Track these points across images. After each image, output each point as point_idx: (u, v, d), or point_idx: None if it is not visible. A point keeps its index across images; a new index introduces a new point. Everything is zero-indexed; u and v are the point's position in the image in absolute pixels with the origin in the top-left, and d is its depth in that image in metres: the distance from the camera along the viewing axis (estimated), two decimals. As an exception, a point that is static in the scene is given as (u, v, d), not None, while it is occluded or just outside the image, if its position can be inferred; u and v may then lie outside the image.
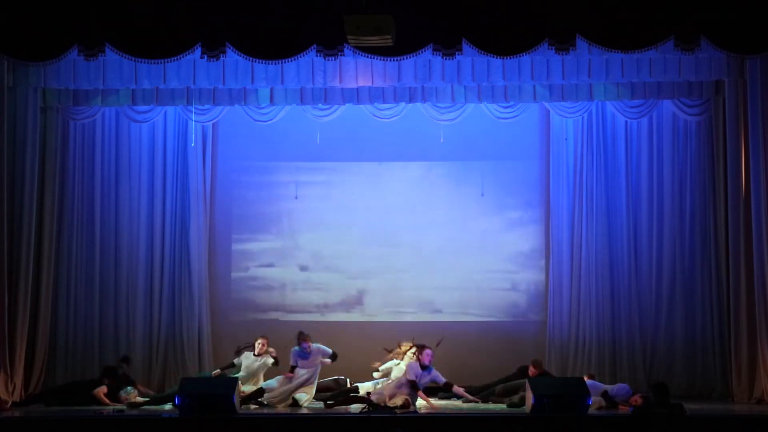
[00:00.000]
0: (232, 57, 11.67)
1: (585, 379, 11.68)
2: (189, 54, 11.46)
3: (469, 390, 12.22)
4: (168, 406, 11.66)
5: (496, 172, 13.95)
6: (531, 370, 12.14)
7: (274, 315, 13.99)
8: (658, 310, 13.43)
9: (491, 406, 12.07)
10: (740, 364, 12.40)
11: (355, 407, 11.58)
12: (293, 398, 11.95)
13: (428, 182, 14.04)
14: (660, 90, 12.87)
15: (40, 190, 13.04)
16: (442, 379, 11.93)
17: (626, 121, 13.48)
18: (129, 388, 12.31)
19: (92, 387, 12.22)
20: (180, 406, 10.78)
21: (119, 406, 11.99)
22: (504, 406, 11.87)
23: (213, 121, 13.63)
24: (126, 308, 13.62)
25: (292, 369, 12.08)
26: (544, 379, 11.77)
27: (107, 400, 12.10)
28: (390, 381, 12.06)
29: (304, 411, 11.59)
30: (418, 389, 11.61)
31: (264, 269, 14.06)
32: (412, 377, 11.65)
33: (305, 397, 12.02)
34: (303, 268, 14.06)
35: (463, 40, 11.22)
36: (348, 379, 12.74)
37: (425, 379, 11.80)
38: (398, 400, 11.44)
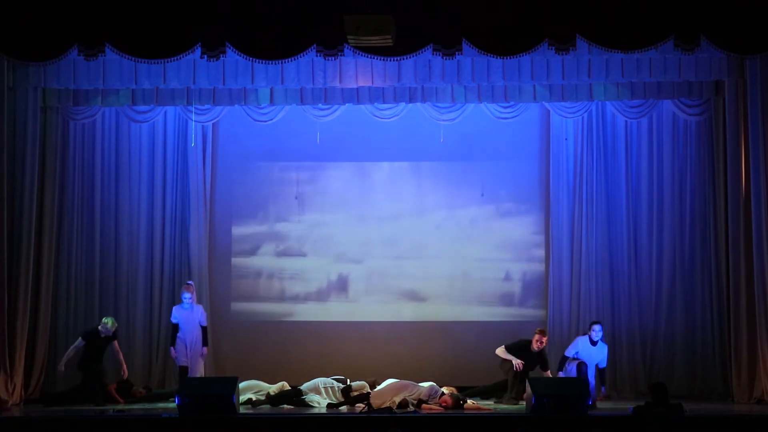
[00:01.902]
0: (232, 57, 11.67)
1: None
2: (189, 54, 11.46)
3: (459, 391, 12.21)
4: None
5: (496, 172, 13.96)
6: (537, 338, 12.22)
7: (273, 316, 13.98)
8: (658, 310, 13.43)
9: (492, 405, 12.11)
10: (740, 364, 12.40)
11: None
12: (306, 399, 12.00)
13: (428, 182, 14.04)
14: (660, 90, 12.87)
15: (40, 190, 13.03)
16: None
17: (626, 121, 13.48)
18: (106, 319, 12.42)
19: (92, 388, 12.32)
20: (180, 406, 10.78)
21: (119, 406, 12.03)
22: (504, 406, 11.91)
23: (213, 121, 13.63)
24: (126, 308, 13.62)
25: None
26: (544, 379, 11.76)
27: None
28: (390, 382, 12.06)
29: (305, 411, 11.57)
30: (425, 403, 11.62)
31: (264, 270, 14.05)
32: (426, 398, 11.66)
33: (316, 398, 12.04)
34: (302, 268, 14.05)
35: (463, 40, 11.23)
36: (348, 379, 12.73)
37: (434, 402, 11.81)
38: (398, 400, 11.45)
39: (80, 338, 12.39)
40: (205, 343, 12.58)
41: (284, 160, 14.09)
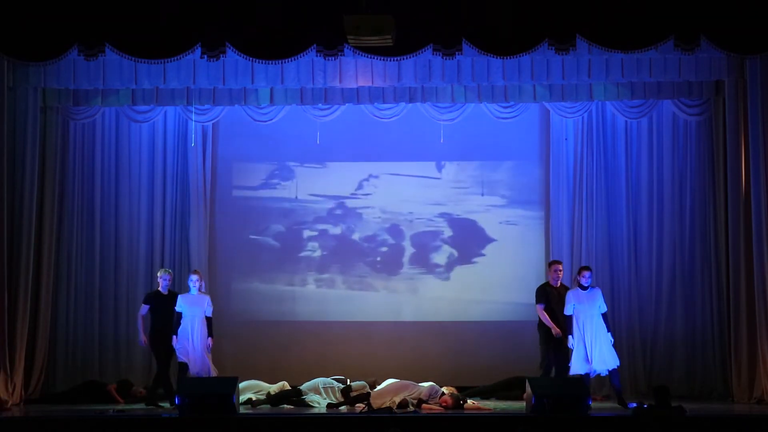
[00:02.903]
0: (232, 57, 11.67)
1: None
2: (189, 54, 11.46)
3: (459, 391, 12.21)
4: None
5: (496, 172, 13.96)
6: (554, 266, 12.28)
7: (273, 315, 13.98)
8: (658, 310, 13.43)
9: (490, 404, 12.11)
10: (740, 364, 12.38)
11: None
12: (306, 399, 11.99)
13: (428, 182, 14.04)
14: (660, 90, 12.86)
15: (40, 190, 13.02)
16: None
17: (626, 121, 13.48)
18: (161, 270, 12.26)
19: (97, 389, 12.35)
20: (180, 406, 10.78)
21: (119, 406, 12.02)
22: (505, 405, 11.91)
23: (213, 121, 13.63)
24: (126, 308, 13.61)
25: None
26: (543, 379, 11.76)
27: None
28: (390, 382, 12.05)
29: (305, 411, 11.57)
30: (425, 403, 11.60)
31: (263, 270, 14.05)
32: (426, 398, 11.65)
33: (316, 398, 12.03)
34: (302, 270, 14.06)
35: (463, 40, 11.23)
36: (348, 379, 12.72)
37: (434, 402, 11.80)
38: (398, 400, 11.44)
39: (143, 304, 12.12)
40: (210, 333, 12.01)
41: (284, 160, 14.09)
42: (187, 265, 13.62)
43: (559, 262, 12.42)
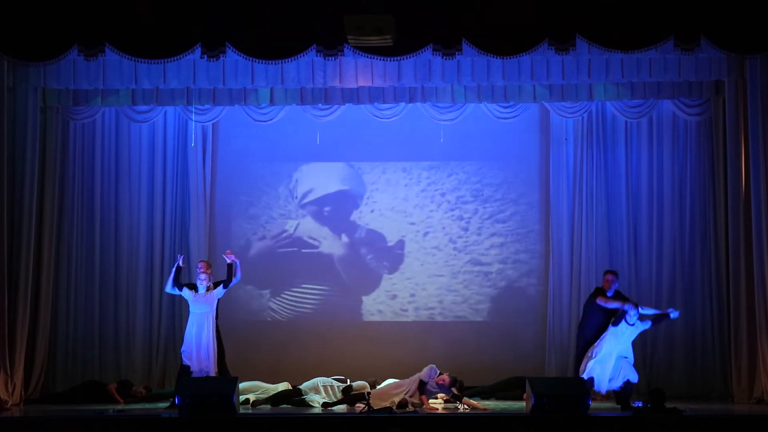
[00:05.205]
0: (232, 57, 11.67)
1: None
2: (189, 54, 11.46)
3: (459, 391, 12.20)
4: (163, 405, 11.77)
5: (496, 172, 13.96)
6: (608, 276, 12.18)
7: (274, 316, 13.99)
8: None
9: (490, 404, 12.11)
10: (740, 364, 12.39)
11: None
12: (306, 399, 11.98)
13: (428, 182, 14.04)
14: (660, 90, 12.87)
15: (40, 190, 13.03)
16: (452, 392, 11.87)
17: (626, 121, 13.49)
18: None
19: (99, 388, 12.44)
20: (180, 406, 10.77)
21: (119, 406, 12.02)
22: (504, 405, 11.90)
23: (213, 121, 13.64)
24: (126, 308, 13.63)
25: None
26: (543, 379, 11.74)
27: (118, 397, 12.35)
28: (390, 382, 12.05)
29: (305, 411, 11.56)
30: (424, 393, 11.59)
31: (263, 270, 14.05)
32: (426, 378, 11.64)
33: (316, 397, 12.02)
34: (302, 269, 14.06)
35: (463, 40, 11.23)
36: (348, 379, 12.73)
37: (434, 389, 11.77)
38: (397, 400, 11.44)
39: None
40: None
41: (284, 160, 14.09)
42: (187, 266, 13.60)
43: (609, 272, 12.28)
